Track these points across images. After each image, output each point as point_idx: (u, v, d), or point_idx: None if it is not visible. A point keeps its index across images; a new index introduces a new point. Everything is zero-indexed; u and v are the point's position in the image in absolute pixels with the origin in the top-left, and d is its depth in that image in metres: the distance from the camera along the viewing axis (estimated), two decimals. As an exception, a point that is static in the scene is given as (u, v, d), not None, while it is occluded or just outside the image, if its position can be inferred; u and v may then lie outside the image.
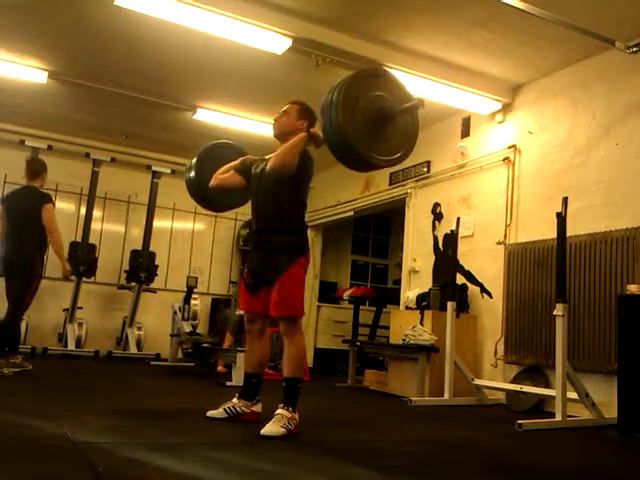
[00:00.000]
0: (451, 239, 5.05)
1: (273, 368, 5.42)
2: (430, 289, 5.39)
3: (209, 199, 3.56)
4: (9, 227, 4.80)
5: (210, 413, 3.08)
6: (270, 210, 3.05)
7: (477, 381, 4.64)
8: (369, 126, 2.78)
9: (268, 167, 3.02)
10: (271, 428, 2.71)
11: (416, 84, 4.97)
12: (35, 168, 4.96)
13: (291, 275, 2.95)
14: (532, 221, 4.90)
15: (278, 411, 2.81)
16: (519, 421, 3.43)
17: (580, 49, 4.52)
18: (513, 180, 5.18)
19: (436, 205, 6.03)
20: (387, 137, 2.85)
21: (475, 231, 5.47)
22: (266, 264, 3.01)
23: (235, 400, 3.11)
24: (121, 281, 7.44)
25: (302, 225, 3.14)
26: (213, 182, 3.26)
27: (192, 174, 3.54)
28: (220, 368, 5.80)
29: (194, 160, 3.57)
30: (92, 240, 7.06)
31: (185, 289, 6.77)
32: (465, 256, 5.33)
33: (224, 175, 3.25)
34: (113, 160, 7.35)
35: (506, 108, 5.36)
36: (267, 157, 3.17)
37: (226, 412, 3.07)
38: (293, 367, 2.93)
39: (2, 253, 4.83)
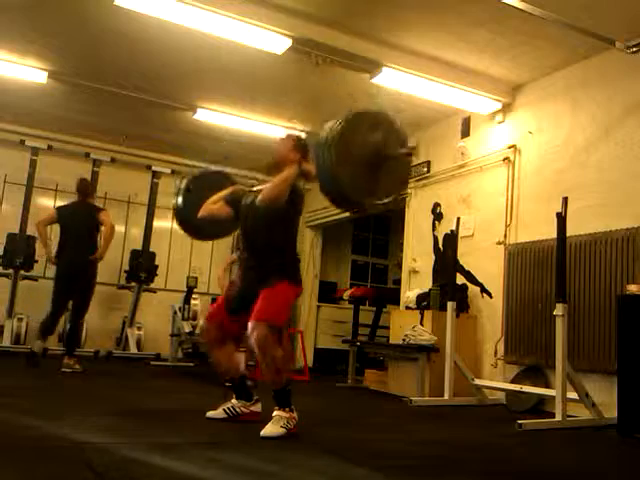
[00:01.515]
0: (451, 239, 5.05)
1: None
2: (430, 289, 5.39)
3: (197, 229, 3.58)
4: (67, 238, 5.21)
5: (210, 414, 3.08)
6: (261, 244, 3.07)
7: (477, 381, 4.64)
8: (362, 169, 2.72)
9: (258, 200, 2.99)
10: (271, 429, 2.72)
11: (416, 84, 4.98)
12: (85, 189, 5.41)
13: (277, 290, 2.92)
14: (532, 221, 4.90)
15: (275, 413, 2.81)
16: (519, 421, 3.43)
17: (580, 49, 4.51)
18: (513, 180, 5.18)
19: (436, 205, 6.02)
20: (379, 179, 2.79)
21: (475, 231, 5.47)
22: (254, 285, 2.97)
23: (234, 401, 3.11)
24: (121, 281, 7.44)
25: (293, 258, 3.14)
26: (202, 212, 3.26)
27: (179, 202, 3.59)
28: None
29: (182, 185, 3.63)
30: (92, 240, 7.05)
31: (185, 289, 6.77)
32: (465, 256, 5.33)
33: (214, 206, 3.26)
34: (113, 160, 7.36)
35: (506, 108, 5.36)
36: (256, 189, 3.18)
37: (225, 412, 3.08)
38: (277, 379, 2.85)
39: (61, 260, 5.20)
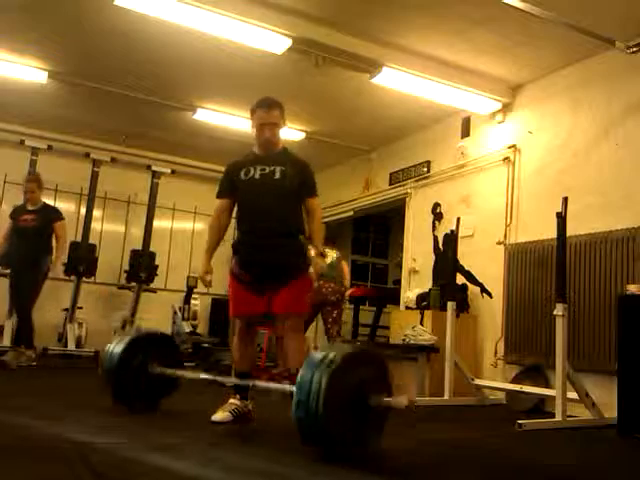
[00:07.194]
0: (451, 239, 5.04)
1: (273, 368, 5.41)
2: (430, 289, 5.39)
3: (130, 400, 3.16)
4: None
5: (216, 417, 2.96)
6: (280, 214, 3.10)
7: (477, 381, 4.63)
8: (346, 411, 2.35)
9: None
10: None
11: (416, 84, 4.98)
12: None
13: (304, 281, 3.09)
14: (532, 221, 4.90)
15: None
16: (519, 421, 3.42)
17: (580, 49, 4.51)
18: (513, 180, 5.18)
19: (436, 205, 6.02)
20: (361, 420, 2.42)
21: (475, 231, 5.47)
22: (279, 266, 3.05)
23: (236, 401, 3.06)
24: (121, 281, 7.44)
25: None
26: (216, 233, 3.24)
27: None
28: None
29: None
30: (92, 240, 7.03)
31: (185, 289, 6.77)
32: (465, 256, 5.32)
33: (220, 222, 3.23)
34: (113, 160, 7.35)
35: (506, 108, 5.36)
36: (257, 154, 3.21)
37: (232, 414, 2.99)
38: (302, 360, 2.83)
39: None
